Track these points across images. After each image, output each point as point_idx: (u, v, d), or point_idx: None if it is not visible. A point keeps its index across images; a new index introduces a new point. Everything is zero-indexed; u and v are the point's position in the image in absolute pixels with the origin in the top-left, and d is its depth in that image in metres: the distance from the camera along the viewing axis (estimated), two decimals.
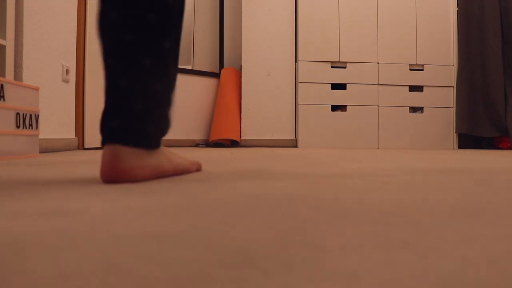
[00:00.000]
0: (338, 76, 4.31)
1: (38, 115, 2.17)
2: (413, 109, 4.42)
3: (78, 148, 3.14)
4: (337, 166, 1.56)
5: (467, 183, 1.04)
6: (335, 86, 4.34)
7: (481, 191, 0.87)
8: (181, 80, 4.38)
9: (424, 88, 4.39)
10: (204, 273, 0.34)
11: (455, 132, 4.41)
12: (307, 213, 0.62)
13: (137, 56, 1.02)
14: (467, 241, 0.45)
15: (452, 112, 4.42)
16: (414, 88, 4.40)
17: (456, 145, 4.43)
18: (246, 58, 4.45)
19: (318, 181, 1.04)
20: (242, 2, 4.46)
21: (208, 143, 4.44)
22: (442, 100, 4.42)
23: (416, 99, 4.39)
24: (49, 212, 0.60)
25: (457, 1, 4.42)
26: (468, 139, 4.54)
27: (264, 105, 4.45)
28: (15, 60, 2.47)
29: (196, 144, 4.39)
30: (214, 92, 4.68)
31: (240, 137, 4.38)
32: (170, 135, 4.19)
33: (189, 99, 4.42)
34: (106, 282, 0.31)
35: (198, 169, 1.32)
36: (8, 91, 1.91)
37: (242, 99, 4.44)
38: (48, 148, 2.65)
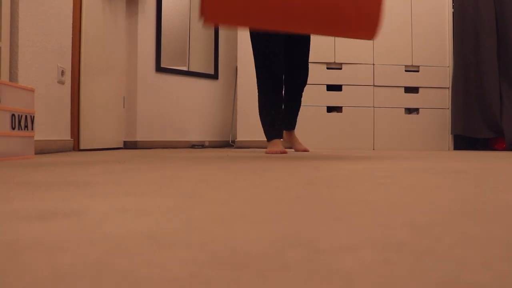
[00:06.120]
0: (333, 77, 4.32)
1: (33, 116, 2.16)
2: (409, 110, 4.43)
3: (74, 150, 3.13)
4: (332, 167, 1.56)
5: (462, 184, 1.04)
6: (331, 87, 4.34)
7: (476, 192, 0.87)
8: (176, 82, 4.37)
9: (420, 89, 4.40)
10: (200, 274, 0.34)
11: (451, 133, 4.42)
12: (302, 213, 0.62)
13: None
14: (463, 242, 0.46)
15: (447, 113, 4.43)
16: (409, 89, 4.41)
17: (451, 146, 4.44)
18: (241, 59, 4.45)
19: (313, 182, 1.04)
20: None
21: (204, 143, 4.44)
22: (438, 101, 4.42)
23: (411, 100, 4.39)
24: (45, 214, 0.60)
25: (453, 3, 4.43)
26: (464, 140, 4.55)
27: None
28: (11, 62, 2.46)
29: (192, 145, 4.38)
30: (209, 93, 4.67)
31: (236, 138, 4.38)
32: (165, 137, 4.18)
33: (184, 100, 4.42)
34: (101, 283, 0.31)
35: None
36: (3, 92, 1.90)
37: (238, 100, 4.44)
38: (43, 149, 2.64)
